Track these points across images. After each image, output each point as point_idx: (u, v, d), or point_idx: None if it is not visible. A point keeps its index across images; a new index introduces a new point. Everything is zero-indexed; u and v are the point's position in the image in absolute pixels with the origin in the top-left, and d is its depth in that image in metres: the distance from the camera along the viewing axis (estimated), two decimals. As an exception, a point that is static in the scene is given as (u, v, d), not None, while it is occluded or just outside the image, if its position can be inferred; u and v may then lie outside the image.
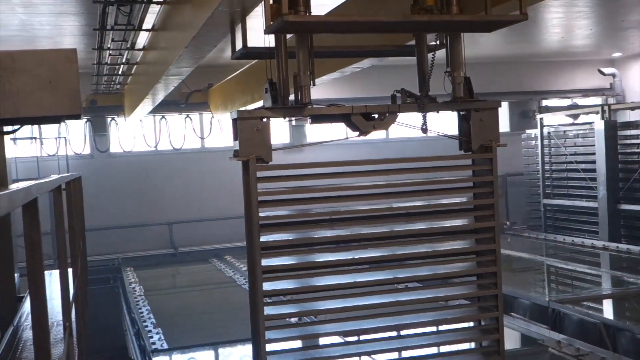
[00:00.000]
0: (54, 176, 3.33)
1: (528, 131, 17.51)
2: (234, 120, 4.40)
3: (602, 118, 14.62)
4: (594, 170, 14.87)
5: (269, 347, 4.31)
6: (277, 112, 4.44)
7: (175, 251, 15.80)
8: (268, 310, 4.32)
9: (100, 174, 15.42)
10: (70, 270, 5.36)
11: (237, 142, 4.36)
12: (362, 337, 4.76)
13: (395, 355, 5.04)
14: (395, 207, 4.78)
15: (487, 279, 4.83)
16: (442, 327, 4.91)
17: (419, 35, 4.87)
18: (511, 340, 8.78)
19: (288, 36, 4.51)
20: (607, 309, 9.37)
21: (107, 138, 15.82)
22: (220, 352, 8.22)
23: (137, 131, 15.64)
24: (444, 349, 5.10)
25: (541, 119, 16.67)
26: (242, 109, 4.82)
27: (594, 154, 14.82)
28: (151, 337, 8.72)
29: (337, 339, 5.61)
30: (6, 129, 5.36)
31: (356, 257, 4.67)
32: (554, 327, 8.55)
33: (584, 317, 8.46)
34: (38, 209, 1.83)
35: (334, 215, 4.66)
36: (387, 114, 4.66)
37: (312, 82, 4.51)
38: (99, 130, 15.68)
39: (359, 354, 4.85)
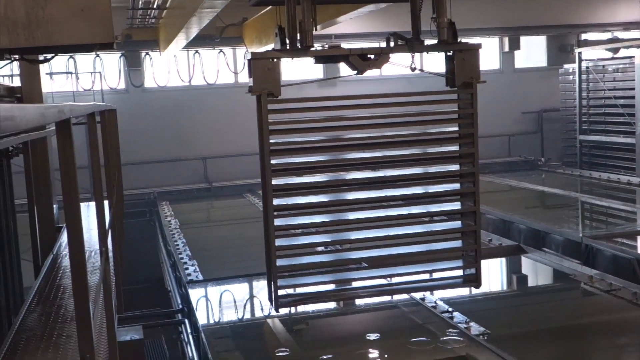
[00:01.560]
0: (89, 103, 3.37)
1: (566, 66, 17.18)
2: (249, 61, 5.10)
3: (643, 52, 14.26)
4: (632, 106, 14.57)
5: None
6: (285, 54, 5.18)
7: (209, 186, 15.97)
8: (278, 222, 5.21)
9: (135, 109, 15.53)
10: (106, 201, 5.46)
11: (251, 79, 5.06)
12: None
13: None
14: (390, 135, 5.65)
15: (467, 198, 5.63)
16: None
17: (412, -17, 5.54)
18: (543, 275, 8.81)
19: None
20: (642, 245, 9.32)
21: (141, 73, 15.86)
22: (255, 284, 8.37)
23: (171, 66, 15.65)
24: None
25: (580, 53, 16.31)
26: (256, 50, 5.81)
27: (633, 89, 14.50)
28: (187, 268, 8.90)
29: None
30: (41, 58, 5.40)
31: (353, 177, 5.56)
32: (587, 263, 8.54)
33: (617, 252, 8.42)
34: (71, 130, 1.86)
35: (334, 142, 5.54)
36: (382, 55, 5.33)
37: (314, 27, 5.22)
38: (133, 65, 15.71)
39: (354, 260, 5.75)
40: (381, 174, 5.60)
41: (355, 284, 5.87)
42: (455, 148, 5.70)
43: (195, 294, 7.98)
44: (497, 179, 15.43)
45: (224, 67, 15.89)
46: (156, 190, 15.38)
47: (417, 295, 7.26)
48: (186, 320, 7.70)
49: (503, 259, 9.17)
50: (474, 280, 5.69)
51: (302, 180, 5.41)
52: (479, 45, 5.54)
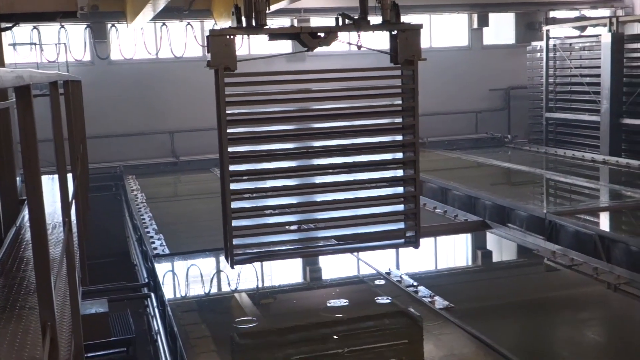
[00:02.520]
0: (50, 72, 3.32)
1: (534, 43, 17.30)
2: (207, 37, 5.66)
3: (610, 30, 14.40)
4: (598, 84, 14.76)
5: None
6: (241, 31, 5.74)
7: (176, 160, 15.87)
8: (233, 186, 5.78)
9: (101, 82, 15.32)
10: (70, 174, 5.41)
11: (209, 54, 5.66)
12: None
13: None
14: (340, 107, 6.25)
15: (409, 166, 6.20)
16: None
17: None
18: (507, 251, 8.93)
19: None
20: (603, 221, 9.47)
21: (107, 45, 15.63)
22: (221, 258, 8.34)
23: (137, 38, 15.44)
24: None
25: (547, 30, 16.43)
26: (225, 23, 6.37)
27: (599, 67, 14.67)
28: (153, 242, 8.84)
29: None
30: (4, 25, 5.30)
31: (304, 146, 6.18)
32: (550, 238, 8.66)
33: (579, 228, 8.56)
34: (32, 98, 1.83)
35: (285, 114, 6.11)
36: (330, 33, 5.83)
37: (267, 7, 5.66)
38: (99, 37, 15.47)
39: (305, 222, 6.71)
40: (330, 143, 6.19)
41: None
42: (399, 120, 6.27)
43: (161, 267, 7.94)
44: (464, 156, 15.55)
45: (192, 40, 15.71)
46: (122, 164, 15.25)
47: (383, 269, 7.33)
48: (152, 294, 7.68)
49: (468, 235, 9.27)
50: (414, 241, 6.32)
51: (255, 148, 5.99)
52: (420, 26, 5.95)
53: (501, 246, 8.98)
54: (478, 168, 14.28)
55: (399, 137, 6.26)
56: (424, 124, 18.58)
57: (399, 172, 6.33)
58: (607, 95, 14.40)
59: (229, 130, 5.70)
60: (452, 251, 9.19)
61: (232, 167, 5.79)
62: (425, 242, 8.88)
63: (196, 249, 8.60)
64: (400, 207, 6.34)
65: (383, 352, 5.71)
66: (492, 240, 9.05)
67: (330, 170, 6.23)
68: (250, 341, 6.06)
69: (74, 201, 4.18)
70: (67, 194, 3.29)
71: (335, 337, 5.97)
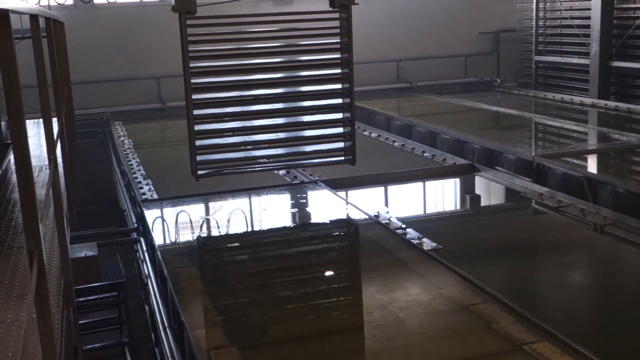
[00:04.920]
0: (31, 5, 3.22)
1: (524, -15, 17.09)
2: None
3: (601, -28, 14.22)
4: (588, 27, 14.62)
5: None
6: None
7: (163, 105, 15.71)
8: (196, 112, 7.02)
9: (84, 26, 15.06)
10: (55, 117, 5.34)
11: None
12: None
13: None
14: (288, 45, 7.52)
15: (346, 95, 7.43)
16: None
17: None
18: (496, 194, 8.97)
19: None
20: (591, 164, 9.49)
21: (90, -12, 15.33)
22: (211, 205, 8.36)
23: (121, -19, 15.15)
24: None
25: (538, -28, 16.22)
26: None
27: (589, 9, 14.52)
28: (141, 187, 8.81)
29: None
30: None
31: (259, 77, 7.41)
32: (538, 181, 8.69)
33: (567, 170, 8.58)
34: (10, 25, 1.77)
35: (239, 50, 7.39)
36: None
37: None
38: (81, -20, 15.17)
39: (259, 142, 7.54)
40: (282, 76, 7.47)
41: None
42: (338, 56, 7.38)
43: (150, 212, 7.93)
44: (452, 100, 15.49)
45: (177, -17, 15.41)
46: (109, 110, 15.08)
47: (372, 212, 7.36)
48: (141, 239, 7.68)
49: (457, 178, 9.30)
50: (351, 158, 7.57)
51: (215, 80, 7.15)
52: None
53: (489, 189, 9.02)
54: (467, 112, 14.24)
55: (339, 70, 7.41)
56: (413, 68, 18.50)
57: (339, 100, 7.51)
58: (597, 38, 14.30)
59: (191, 65, 6.76)
60: (440, 194, 9.22)
61: (194, 96, 6.91)
62: (414, 185, 8.98)
63: (184, 194, 8.57)
64: (340, 130, 7.56)
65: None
66: (480, 183, 9.08)
67: (282, 97, 7.44)
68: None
69: (59, 140, 4.14)
70: (51, 132, 3.25)
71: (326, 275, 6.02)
